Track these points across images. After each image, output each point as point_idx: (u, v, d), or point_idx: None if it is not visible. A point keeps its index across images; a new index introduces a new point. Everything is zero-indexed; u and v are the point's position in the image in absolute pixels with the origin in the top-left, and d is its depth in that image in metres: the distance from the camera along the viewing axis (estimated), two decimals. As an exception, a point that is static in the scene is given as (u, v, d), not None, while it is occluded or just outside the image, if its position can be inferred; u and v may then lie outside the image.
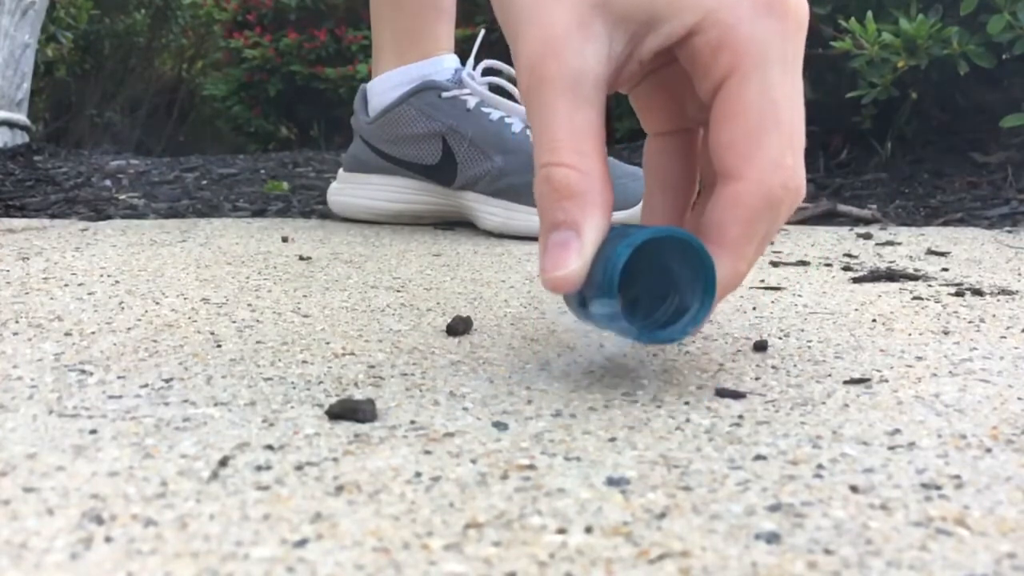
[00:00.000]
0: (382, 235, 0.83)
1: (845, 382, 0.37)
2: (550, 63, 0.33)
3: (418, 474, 0.27)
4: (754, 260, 0.35)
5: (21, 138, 1.79)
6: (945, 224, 0.97)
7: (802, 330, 0.46)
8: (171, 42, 3.76)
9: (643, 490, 0.26)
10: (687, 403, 0.34)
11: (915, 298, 0.55)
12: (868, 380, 0.37)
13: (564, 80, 0.33)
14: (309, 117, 3.23)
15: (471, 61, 0.89)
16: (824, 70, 1.32)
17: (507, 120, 0.84)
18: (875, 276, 0.62)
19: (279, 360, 0.40)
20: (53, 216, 1.01)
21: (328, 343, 0.43)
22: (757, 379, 0.38)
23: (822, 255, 0.72)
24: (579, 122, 0.33)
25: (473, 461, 0.28)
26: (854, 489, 0.26)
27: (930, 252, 0.73)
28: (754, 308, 0.52)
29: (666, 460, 0.29)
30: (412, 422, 0.32)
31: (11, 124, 1.74)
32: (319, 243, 0.77)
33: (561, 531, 0.24)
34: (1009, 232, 0.87)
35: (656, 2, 0.33)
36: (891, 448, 0.30)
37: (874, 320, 0.49)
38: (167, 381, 0.37)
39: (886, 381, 0.37)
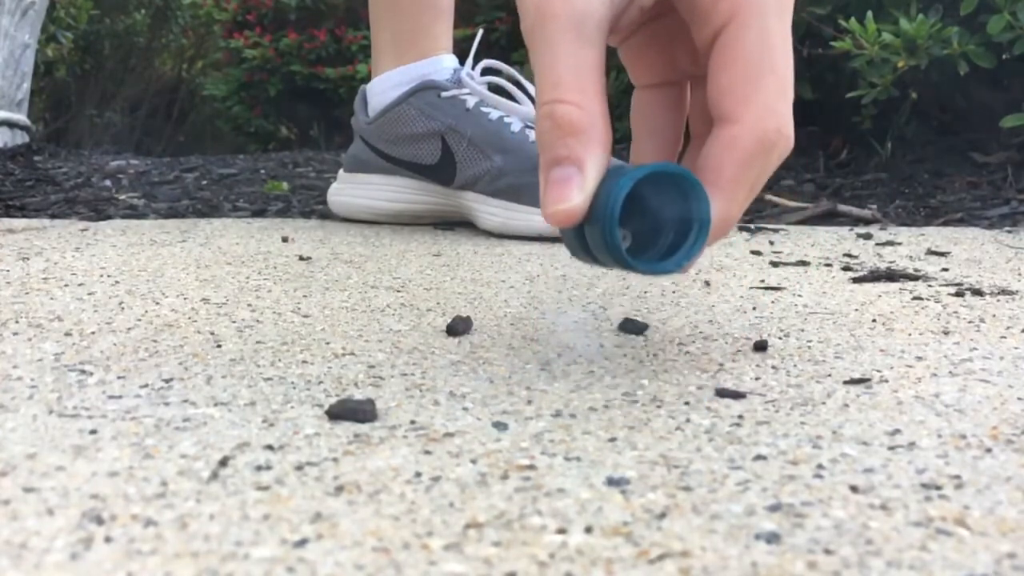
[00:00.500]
0: (382, 235, 0.83)
1: (845, 382, 0.37)
2: (555, 2, 0.34)
3: (418, 474, 0.27)
4: (745, 204, 0.36)
5: (21, 138, 1.79)
6: (945, 224, 0.97)
7: (802, 330, 0.46)
8: (171, 42, 3.76)
9: (643, 490, 0.26)
10: (687, 403, 0.34)
11: (915, 298, 0.55)
12: (868, 380, 0.37)
13: (569, 19, 0.34)
14: (309, 117, 3.23)
15: (470, 61, 0.89)
16: (824, 70, 1.32)
17: (506, 120, 0.84)
18: (875, 276, 0.62)
19: (279, 360, 0.40)
20: (53, 216, 1.01)
21: (328, 343, 0.43)
22: (757, 379, 0.38)
23: (822, 255, 0.72)
24: (582, 61, 0.34)
25: (473, 461, 0.28)
26: (854, 489, 0.26)
27: (930, 252, 0.73)
28: (754, 308, 0.52)
29: (666, 460, 0.29)
30: (412, 422, 0.32)
31: (11, 124, 1.74)
32: (319, 243, 0.77)
33: (561, 531, 0.24)
34: (1009, 232, 0.87)
35: None
36: (891, 448, 0.30)
37: (874, 320, 0.49)
38: (167, 381, 0.37)
39: (886, 381, 0.37)
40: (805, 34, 1.27)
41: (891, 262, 0.69)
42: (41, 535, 0.23)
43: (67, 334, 0.44)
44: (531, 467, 0.28)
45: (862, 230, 0.88)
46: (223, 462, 0.28)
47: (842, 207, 1.02)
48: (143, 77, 3.79)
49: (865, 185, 1.20)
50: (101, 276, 0.59)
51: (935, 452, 0.29)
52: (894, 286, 0.59)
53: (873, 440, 0.31)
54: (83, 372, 0.38)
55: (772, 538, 0.23)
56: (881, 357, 0.41)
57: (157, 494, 0.26)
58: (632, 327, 0.46)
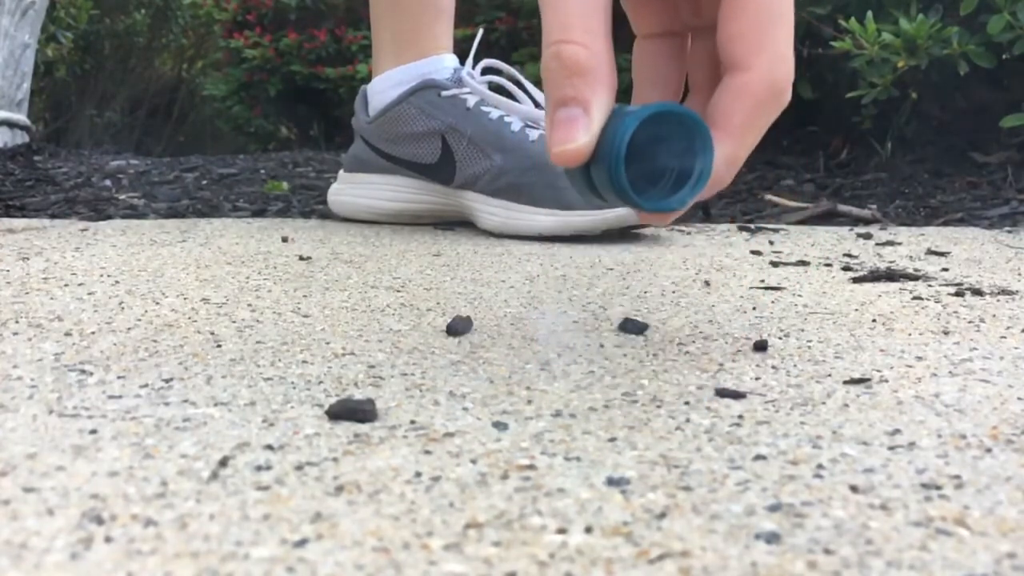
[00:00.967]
0: (382, 235, 0.83)
1: (845, 382, 0.37)
2: None
3: (418, 474, 0.27)
4: (751, 149, 0.37)
5: (21, 138, 1.79)
6: (945, 224, 0.97)
7: (802, 330, 0.46)
8: (171, 42, 3.76)
9: (643, 490, 0.26)
10: (687, 403, 0.34)
11: (915, 298, 0.55)
12: (868, 380, 0.37)
13: None
14: (309, 117, 3.23)
15: (470, 60, 0.89)
16: (824, 70, 1.32)
17: (506, 119, 0.84)
18: (875, 276, 0.62)
19: (279, 360, 0.40)
20: (53, 216, 1.01)
21: (328, 343, 0.43)
22: (757, 379, 0.38)
23: (822, 255, 0.72)
24: (590, 3, 0.34)
25: (473, 461, 0.28)
26: (854, 489, 0.26)
27: (930, 252, 0.73)
28: (754, 308, 0.52)
29: (666, 460, 0.29)
30: (412, 422, 0.32)
31: (11, 124, 1.74)
32: (319, 243, 0.77)
33: (561, 531, 0.24)
34: (1009, 232, 0.87)
35: None
36: (891, 448, 0.30)
37: (874, 320, 0.49)
38: (167, 381, 0.37)
39: (886, 381, 0.37)
40: (805, 34, 1.27)
41: (891, 262, 0.69)
42: (41, 535, 0.23)
43: (67, 334, 0.44)
44: (531, 467, 0.28)
45: (862, 230, 0.88)
46: (223, 462, 0.28)
47: (842, 207, 1.02)
48: (143, 77, 3.79)
49: (865, 185, 1.20)
50: (101, 276, 0.59)
51: (935, 452, 0.29)
52: (894, 286, 0.59)
53: (873, 440, 0.31)
54: (83, 372, 0.38)
55: (772, 538, 0.23)
56: (881, 357, 0.41)
57: (157, 494, 0.26)
58: (632, 327, 0.46)
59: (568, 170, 0.37)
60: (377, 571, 0.22)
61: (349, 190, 0.94)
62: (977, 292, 0.56)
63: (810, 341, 0.44)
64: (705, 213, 1.05)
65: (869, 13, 1.13)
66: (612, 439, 0.31)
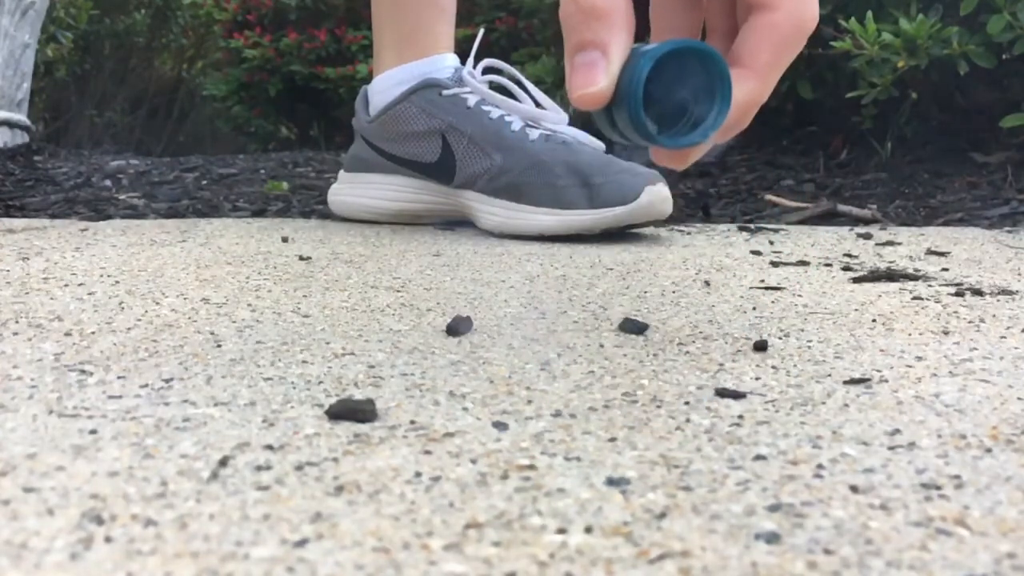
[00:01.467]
0: (382, 235, 0.83)
1: (845, 382, 0.37)
2: None
3: (418, 474, 0.27)
4: (772, 88, 0.38)
5: (21, 138, 1.79)
6: (945, 224, 0.97)
7: (802, 330, 0.46)
8: (171, 42, 3.76)
9: (643, 490, 0.26)
10: (687, 403, 0.34)
11: (915, 298, 0.55)
12: (868, 380, 0.37)
13: None
14: (309, 117, 3.23)
15: (471, 60, 0.89)
16: (824, 70, 1.32)
17: (507, 119, 0.85)
18: (875, 276, 0.62)
19: (279, 360, 0.40)
20: (53, 216, 1.01)
21: (328, 343, 0.43)
22: (757, 379, 0.38)
23: (822, 255, 0.72)
24: None
25: (473, 461, 0.28)
26: (854, 489, 0.26)
27: (930, 252, 0.73)
28: (754, 308, 0.52)
29: (666, 460, 0.29)
30: (412, 422, 0.32)
31: (11, 124, 1.74)
32: (319, 243, 0.77)
33: (561, 531, 0.24)
34: (1009, 232, 0.87)
35: None
36: (891, 448, 0.30)
37: (874, 320, 0.49)
38: (167, 381, 0.37)
39: (886, 381, 0.37)
40: (805, 34, 1.26)
41: (891, 262, 0.69)
42: (41, 535, 0.23)
43: (67, 334, 0.44)
44: (531, 467, 0.28)
45: (862, 230, 0.88)
46: (223, 462, 0.28)
47: (842, 207, 1.02)
48: (143, 77, 3.79)
49: (865, 185, 1.20)
50: (101, 276, 0.59)
51: (935, 452, 0.29)
52: (894, 286, 0.59)
53: (873, 440, 0.31)
54: (83, 372, 0.38)
55: (772, 538, 0.23)
56: (881, 357, 0.41)
57: (157, 494, 0.26)
58: (632, 327, 0.46)
59: (594, 114, 0.38)
60: (377, 571, 0.22)
61: (349, 190, 0.94)
62: (977, 292, 0.56)
63: (810, 341, 0.44)
64: (705, 213, 1.05)
65: (869, 13, 1.13)
66: (612, 439, 0.30)
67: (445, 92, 0.87)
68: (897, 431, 0.31)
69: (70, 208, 1.08)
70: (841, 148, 1.35)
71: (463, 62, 0.90)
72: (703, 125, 0.37)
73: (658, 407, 0.34)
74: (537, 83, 1.25)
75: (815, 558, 0.22)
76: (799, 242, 0.80)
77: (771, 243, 0.79)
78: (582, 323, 0.48)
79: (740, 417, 0.33)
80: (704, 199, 1.15)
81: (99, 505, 0.25)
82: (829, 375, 0.38)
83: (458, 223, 0.90)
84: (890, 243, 0.79)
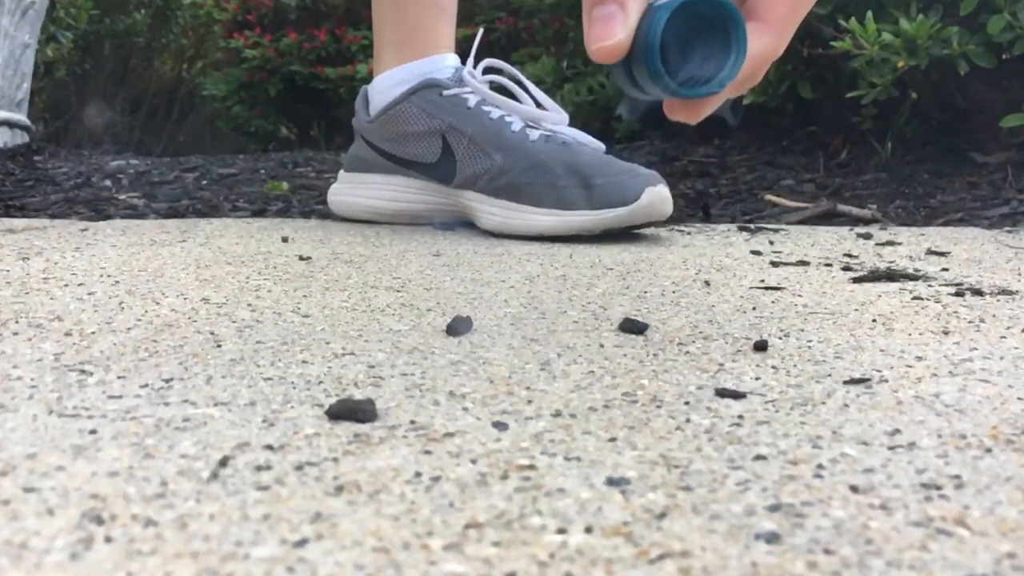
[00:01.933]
0: (382, 235, 0.83)
1: (845, 382, 0.37)
2: None
3: (418, 474, 0.27)
4: (787, 42, 0.39)
5: (21, 138, 1.79)
6: (945, 224, 0.97)
7: (802, 330, 0.46)
8: (171, 42, 3.76)
9: (643, 490, 0.26)
10: (687, 403, 0.34)
11: (915, 298, 0.55)
12: (868, 380, 0.37)
13: None
14: (309, 117, 3.23)
15: (471, 60, 0.89)
16: (824, 70, 1.32)
17: (507, 119, 0.85)
18: (875, 276, 0.62)
19: (279, 360, 0.40)
20: (53, 216, 1.01)
21: (328, 343, 0.43)
22: (757, 379, 0.38)
23: (822, 255, 0.72)
24: None
25: (473, 461, 0.28)
26: (854, 489, 0.26)
27: (930, 252, 0.73)
28: (754, 308, 0.52)
29: (666, 460, 0.29)
30: (412, 422, 0.32)
31: (11, 124, 1.74)
32: (319, 243, 0.77)
33: (561, 531, 0.24)
34: (1009, 232, 0.87)
35: None
36: (891, 448, 0.30)
37: (874, 320, 0.49)
38: (167, 381, 0.37)
39: (886, 381, 0.37)
40: (805, 34, 1.27)
41: (891, 262, 0.69)
42: (41, 535, 0.23)
43: (67, 334, 0.44)
44: (531, 467, 0.28)
45: (862, 230, 0.88)
46: (223, 462, 0.28)
47: (842, 207, 1.02)
48: (143, 77, 3.79)
49: (865, 185, 1.20)
50: (101, 276, 0.59)
51: (935, 452, 0.29)
52: (894, 286, 0.59)
53: (873, 440, 0.31)
54: (83, 372, 0.38)
55: (772, 538, 0.23)
56: (881, 357, 0.41)
57: (157, 494, 0.26)
58: (632, 327, 0.46)
59: (611, 68, 0.38)
60: (377, 571, 0.22)
61: (349, 190, 0.94)
62: (977, 292, 0.56)
63: (810, 341, 0.44)
64: (705, 213, 1.05)
65: (869, 13, 1.13)
66: (612, 439, 0.31)
67: (445, 92, 0.87)
68: (897, 431, 0.31)
69: (70, 208, 1.08)
70: (841, 148, 1.35)
71: (463, 62, 0.90)
72: (719, 75, 0.38)
73: (658, 407, 0.34)
74: (537, 83, 1.25)
75: (815, 558, 0.22)
76: (799, 242, 0.80)
77: (771, 243, 0.79)
78: (582, 323, 0.48)
79: (740, 417, 0.33)
80: (704, 199, 1.15)
81: (99, 505, 0.25)
82: (829, 375, 0.38)
83: (458, 223, 0.90)
84: (890, 243, 0.79)
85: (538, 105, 0.87)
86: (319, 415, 0.33)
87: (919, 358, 0.41)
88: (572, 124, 0.87)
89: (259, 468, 0.28)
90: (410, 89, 0.88)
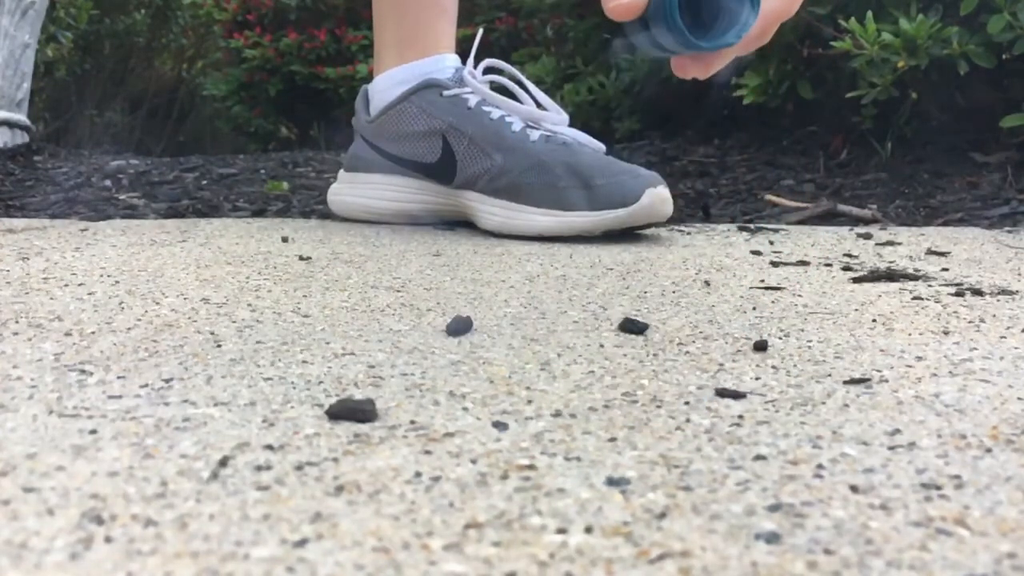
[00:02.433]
0: (382, 235, 0.83)
1: (845, 382, 0.37)
2: None
3: (418, 474, 0.27)
4: (799, 4, 0.40)
5: (21, 138, 1.79)
6: (945, 224, 0.97)
7: (802, 330, 0.46)
8: (171, 42, 3.76)
9: (643, 490, 0.26)
10: (687, 403, 0.34)
11: (915, 298, 0.55)
12: (868, 380, 0.37)
13: None
14: (309, 117, 3.23)
15: (471, 60, 0.89)
16: (824, 70, 1.32)
17: (507, 119, 0.84)
18: (875, 276, 0.62)
19: (279, 360, 0.40)
20: (53, 216, 1.01)
21: (328, 343, 0.43)
22: (757, 379, 0.38)
23: (822, 255, 0.72)
24: None
25: (473, 461, 0.28)
26: (854, 489, 0.26)
27: (930, 252, 0.73)
28: (754, 308, 0.52)
29: (666, 460, 0.29)
30: (412, 422, 0.32)
31: (11, 124, 1.74)
32: (319, 243, 0.77)
33: (561, 531, 0.24)
34: (1009, 232, 0.87)
35: None
36: (891, 448, 0.30)
37: (874, 320, 0.49)
38: (167, 381, 0.37)
39: (886, 381, 0.37)
40: (805, 34, 1.27)
41: (891, 262, 0.69)
42: (41, 535, 0.23)
43: (67, 334, 0.44)
44: (531, 467, 0.28)
45: (862, 230, 0.88)
46: (223, 462, 0.28)
47: (842, 207, 1.02)
48: (143, 77, 3.79)
49: (865, 185, 1.20)
50: (101, 276, 0.59)
51: (935, 452, 0.29)
52: (894, 286, 0.59)
53: (873, 440, 0.31)
54: (83, 372, 0.38)
55: (772, 538, 0.23)
56: (881, 357, 0.41)
57: (157, 494, 0.26)
58: (632, 327, 0.46)
59: (627, 27, 0.40)
60: (377, 571, 0.22)
61: (349, 190, 0.94)
62: (977, 292, 0.56)
63: (810, 341, 0.44)
64: (705, 213, 1.05)
65: (869, 13, 1.13)
66: (612, 439, 0.31)
67: (446, 92, 0.87)
68: (897, 431, 0.31)
69: (70, 208, 1.08)
70: (841, 148, 1.35)
71: (463, 62, 0.90)
72: (736, 27, 0.39)
73: (658, 407, 0.34)
74: (537, 83, 1.25)
75: (815, 558, 0.22)
76: (799, 242, 0.80)
77: (771, 243, 0.79)
78: (582, 323, 0.48)
79: (740, 417, 0.33)
80: (704, 199, 1.15)
81: (99, 505, 0.25)
82: (829, 375, 0.38)
83: (458, 223, 0.90)
84: (890, 243, 0.79)
85: (538, 105, 0.87)
86: (319, 415, 0.33)
87: (919, 358, 0.41)
88: (572, 124, 0.87)
89: (259, 468, 0.28)
90: (410, 89, 0.88)
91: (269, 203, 1.13)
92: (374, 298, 0.54)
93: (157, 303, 0.51)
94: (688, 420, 0.32)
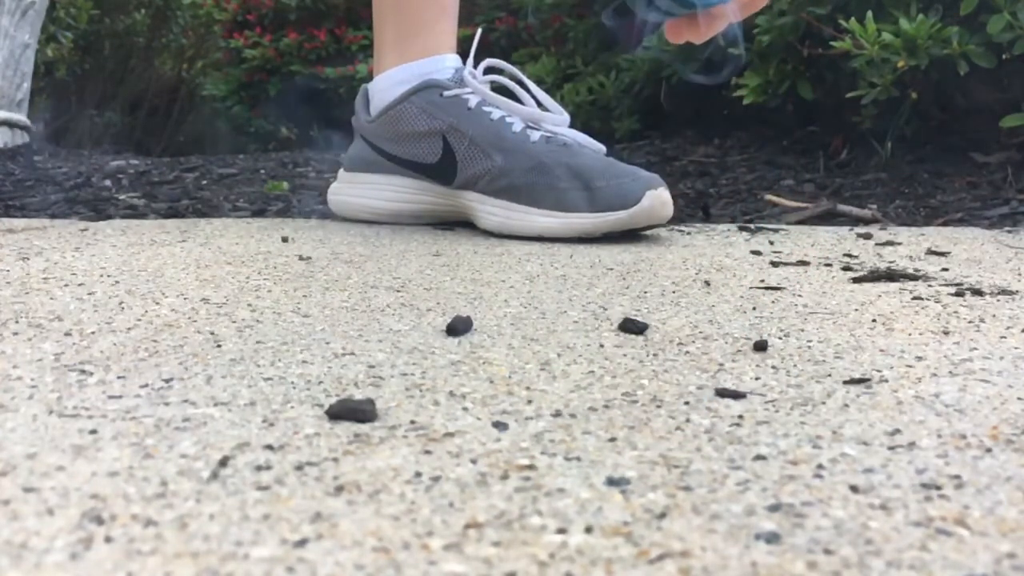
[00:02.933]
0: (382, 235, 0.83)
1: (845, 382, 0.37)
2: None
3: (418, 474, 0.27)
4: None
5: (21, 138, 1.79)
6: (945, 224, 0.97)
7: (802, 330, 0.46)
8: (171, 42, 3.76)
9: (643, 490, 0.26)
10: (687, 403, 0.34)
11: (915, 298, 0.55)
12: (868, 380, 0.37)
13: None
14: (309, 117, 3.23)
15: (471, 60, 0.89)
16: (824, 70, 1.32)
17: (508, 119, 0.84)
18: (875, 276, 0.62)
19: (279, 360, 0.40)
20: (53, 216, 1.01)
21: (328, 343, 0.43)
22: (757, 379, 0.38)
23: (822, 255, 0.72)
24: None
25: (473, 461, 0.28)
26: (854, 489, 0.26)
27: (930, 252, 0.73)
28: (754, 308, 0.52)
29: (666, 460, 0.29)
30: (412, 422, 0.32)
31: (11, 124, 1.74)
32: (319, 243, 0.77)
33: (561, 531, 0.24)
34: (1009, 232, 0.87)
35: None
36: (891, 448, 0.30)
37: (874, 320, 0.49)
38: (167, 381, 0.37)
39: (886, 381, 0.37)
40: (805, 34, 1.27)
41: (891, 262, 0.69)
42: (41, 535, 0.23)
43: (67, 334, 0.44)
44: (531, 467, 0.28)
45: (862, 230, 0.88)
46: (223, 462, 0.28)
47: (842, 207, 1.02)
48: (143, 77, 3.79)
49: (865, 185, 1.20)
50: (101, 276, 0.59)
51: (935, 452, 0.29)
52: (894, 286, 0.59)
53: (873, 440, 0.31)
54: (83, 372, 0.38)
55: (772, 538, 0.23)
56: (881, 357, 0.41)
57: (157, 494, 0.26)
58: (632, 327, 0.46)
59: None
60: (377, 571, 0.22)
61: (349, 190, 0.94)
62: (977, 292, 0.56)
63: (810, 341, 0.44)
64: (705, 213, 1.05)
65: (869, 13, 1.13)
66: (612, 439, 0.31)
67: (446, 93, 0.87)
68: (897, 431, 0.31)
69: (70, 208, 1.08)
70: (841, 148, 1.35)
71: (464, 62, 0.90)
72: None
73: (658, 407, 0.34)
74: (537, 83, 1.25)
75: (815, 558, 0.22)
76: (799, 242, 0.80)
77: (771, 243, 0.79)
78: (582, 323, 0.48)
79: (740, 417, 0.33)
80: (704, 199, 1.15)
81: (99, 505, 0.25)
82: (829, 375, 0.38)
83: (458, 223, 0.90)
84: (890, 243, 0.79)
85: (540, 105, 0.87)
86: (319, 415, 0.33)
87: (919, 358, 0.41)
88: (572, 124, 0.87)
89: (259, 468, 0.28)
90: (411, 89, 0.88)
91: (269, 203, 1.13)
92: (374, 298, 0.54)
93: (157, 303, 0.51)
94: (688, 420, 0.32)
